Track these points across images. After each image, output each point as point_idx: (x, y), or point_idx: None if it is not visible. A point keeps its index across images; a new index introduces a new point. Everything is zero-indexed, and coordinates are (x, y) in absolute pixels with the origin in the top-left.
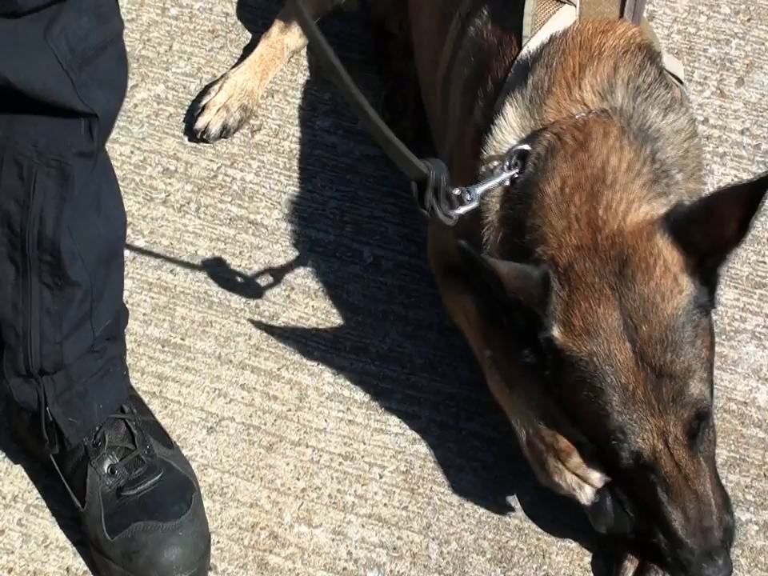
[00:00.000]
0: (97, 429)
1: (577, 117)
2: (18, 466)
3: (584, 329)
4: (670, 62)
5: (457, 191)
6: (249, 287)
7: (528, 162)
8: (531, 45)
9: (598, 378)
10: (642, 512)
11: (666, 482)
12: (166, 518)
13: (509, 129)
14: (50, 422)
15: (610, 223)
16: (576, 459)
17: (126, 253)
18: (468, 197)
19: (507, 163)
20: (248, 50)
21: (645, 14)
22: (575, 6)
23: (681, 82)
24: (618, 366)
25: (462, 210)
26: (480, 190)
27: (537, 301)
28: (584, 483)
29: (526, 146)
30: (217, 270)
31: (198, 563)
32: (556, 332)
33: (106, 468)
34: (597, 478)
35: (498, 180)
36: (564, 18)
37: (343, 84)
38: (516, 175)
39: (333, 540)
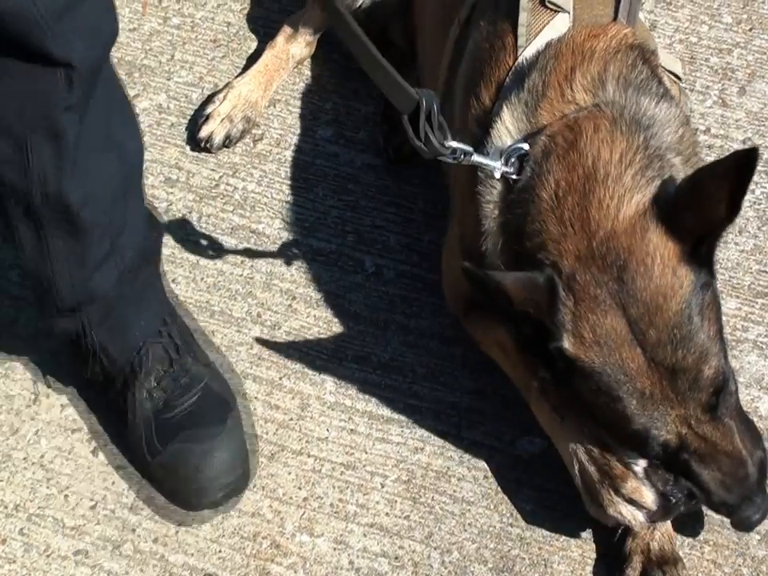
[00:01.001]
0: (136, 352)
1: (570, 116)
2: (20, 475)
3: (594, 340)
4: (666, 60)
5: (453, 143)
6: (250, 297)
7: (525, 165)
8: (527, 53)
9: (614, 387)
10: (681, 484)
11: (696, 455)
12: (208, 430)
13: (506, 134)
14: (90, 352)
15: (603, 224)
16: (632, 483)
17: None
18: (462, 152)
19: (504, 158)
20: (250, 59)
21: (644, 20)
22: (568, 12)
23: (679, 78)
24: (631, 373)
25: (456, 143)
26: (475, 157)
27: (545, 309)
28: (638, 511)
29: (525, 145)
30: (218, 280)
31: (241, 467)
32: (567, 343)
33: (146, 391)
34: (652, 500)
35: (493, 163)
36: (558, 26)
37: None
38: (514, 179)
39: (334, 549)
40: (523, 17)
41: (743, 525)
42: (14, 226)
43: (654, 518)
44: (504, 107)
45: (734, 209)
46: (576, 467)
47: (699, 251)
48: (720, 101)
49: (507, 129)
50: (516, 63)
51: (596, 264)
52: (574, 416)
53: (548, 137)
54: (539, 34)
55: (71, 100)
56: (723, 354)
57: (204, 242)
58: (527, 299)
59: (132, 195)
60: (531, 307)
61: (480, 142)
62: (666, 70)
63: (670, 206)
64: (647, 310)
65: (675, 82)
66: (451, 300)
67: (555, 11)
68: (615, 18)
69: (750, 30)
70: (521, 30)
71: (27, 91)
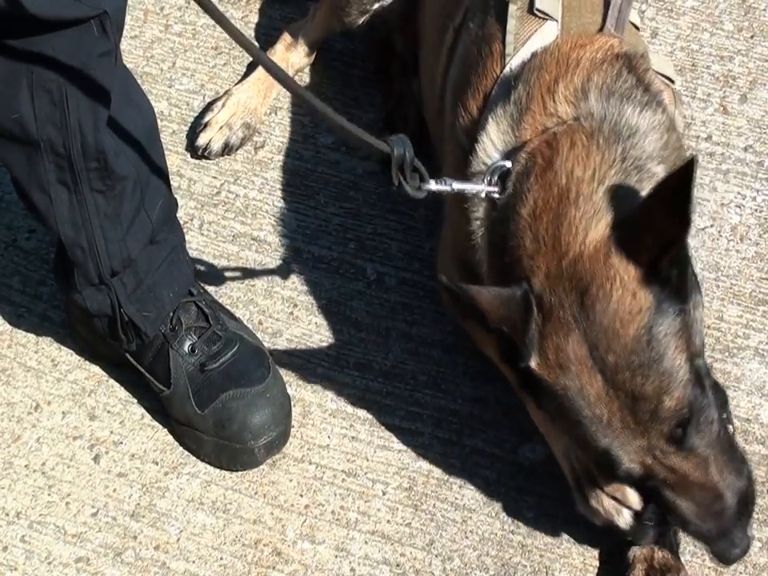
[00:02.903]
0: (171, 315)
1: (550, 131)
2: (21, 482)
3: (557, 363)
4: (658, 62)
5: (433, 184)
6: (252, 304)
7: (507, 183)
8: (513, 63)
9: (576, 412)
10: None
11: (667, 485)
12: (251, 383)
13: (491, 147)
14: (125, 322)
15: (572, 246)
16: (615, 484)
17: None
18: (444, 184)
19: (488, 178)
20: (251, 66)
21: (646, 27)
22: (557, 21)
23: (672, 81)
24: (591, 399)
25: (433, 186)
26: (456, 184)
27: (518, 326)
28: (622, 507)
29: (507, 163)
30: (220, 287)
31: (285, 420)
32: (533, 362)
33: (186, 348)
34: (636, 500)
35: (475, 188)
36: (546, 35)
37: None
38: (497, 196)
39: (336, 556)
40: (511, 24)
41: (721, 558)
42: (50, 194)
43: (640, 536)
44: (490, 119)
45: (684, 220)
46: (566, 467)
47: (660, 271)
48: (721, 108)
49: (493, 143)
50: (503, 73)
51: (562, 285)
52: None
53: (528, 154)
54: (526, 43)
55: (106, 46)
56: (695, 382)
57: (205, 250)
58: (501, 317)
59: (155, 151)
60: (505, 325)
61: (467, 153)
62: (658, 73)
63: (629, 227)
64: (605, 334)
65: (668, 85)
66: (448, 303)
67: (544, 19)
68: (603, 26)
69: (752, 37)
70: (509, 38)
71: (64, 42)
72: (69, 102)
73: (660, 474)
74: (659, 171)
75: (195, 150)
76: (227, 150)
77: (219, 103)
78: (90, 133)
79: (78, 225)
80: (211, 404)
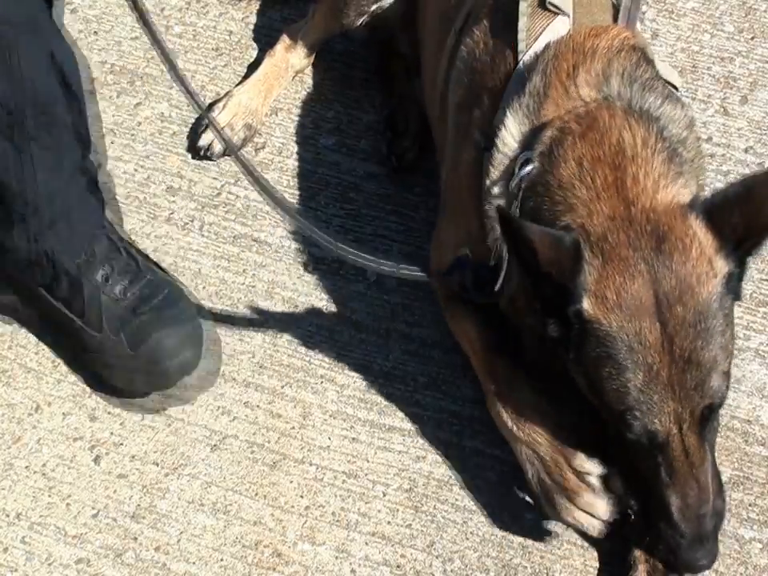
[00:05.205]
0: (87, 243)
1: (578, 108)
2: (22, 483)
3: (616, 303)
4: (664, 69)
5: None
6: (252, 305)
7: (533, 164)
8: (526, 57)
9: (625, 355)
10: (641, 495)
11: (671, 466)
12: (164, 308)
13: (510, 139)
14: (44, 255)
15: (642, 198)
16: (585, 498)
17: None
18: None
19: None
20: (252, 68)
21: (646, 29)
22: (569, 15)
23: (676, 88)
24: (646, 344)
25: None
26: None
27: (567, 272)
28: (592, 519)
29: (527, 154)
30: (220, 288)
31: (198, 342)
32: (586, 304)
33: (100, 278)
34: (605, 511)
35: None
36: (558, 29)
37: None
38: (520, 186)
39: (336, 558)
40: (523, 22)
41: (688, 565)
42: None
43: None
44: (507, 113)
45: None
46: (530, 473)
47: (738, 252)
48: (722, 110)
49: (512, 135)
50: (517, 68)
51: (633, 228)
52: (529, 422)
53: (556, 129)
54: (539, 38)
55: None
56: (728, 382)
57: (206, 251)
58: (551, 259)
59: (72, 92)
60: (554, 268)
61: (483, 150)
62: (664, 80)
63: (716, 202)
64: (679, 286)
65: (673, 92)
66: (436, 282)
67: (555, 14)
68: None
69: (752, 38)
70: (520, 35)
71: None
72: (20, 53)
73: (675, 450)
74: (687, 159)
75: (196, 152)
76: (228, 151)
77: (220, 104)
78: (42, 79)
79: (19, 170)
80: (125, 328)
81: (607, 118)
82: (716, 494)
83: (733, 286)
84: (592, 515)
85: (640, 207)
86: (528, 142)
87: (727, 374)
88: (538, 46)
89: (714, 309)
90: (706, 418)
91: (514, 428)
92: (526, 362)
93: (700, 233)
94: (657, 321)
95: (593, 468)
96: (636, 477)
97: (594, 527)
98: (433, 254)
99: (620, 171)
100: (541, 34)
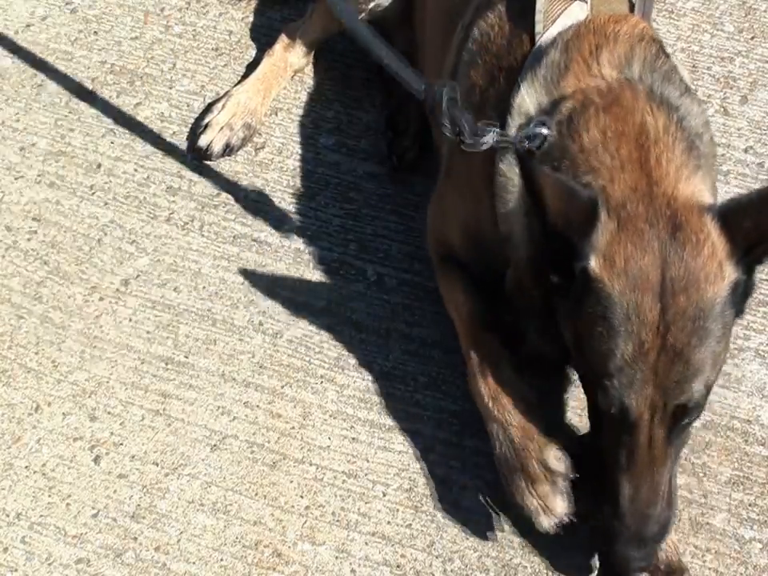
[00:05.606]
0: None
1: (600, 84)
2: (22, 483)
3: (624, 270)
4: (679, 66)
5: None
6: (252, 305)
7: (550, 132)
8: (544, 39)
9: (621, 322)
10: (597, 478)
11: (633, 452)
12: None
13: (527, 106)
14: None
15: (665, 182)
16: (544, 487)
17: (130, 270)
18: (491, 134)
19: (530, 130)
20: (251, 67)
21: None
22: (586, 2)
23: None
24: (644, 320)
25: (489, 138)
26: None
27: (577, 226)
28: (544, 514)
29: (545, 118)
30: (220, 288)
31: None
32: (594, 262)
33: None
34: (560, 511)
35: (518, 135)
36: (575, 13)
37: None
38: (535, 149)
39: (336, 558)
40: (540, 3)
41: (620, 559)
42: None
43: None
44: (523, 84)
45: None
46: (497, 449)
47: (748, 258)
48: (722, 109)
49: (528, 102)
50: (534, 48)
51: (653, 206)
52: (505, 400)
53: (577, 100)
54: (556, 21)
55: None
56: (708, 396)
57: (206, 251)
58: (562, 210)
59: None
60: (562, 220)
61: (500, 125)
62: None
63: (732, 207)
64: (687, 276)
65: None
66: (433, 247)
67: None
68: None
69: (752, 38)
70: (538, 16)
71: None
72: None
73: (641, 435)
74: (704, 153)
75: (196, 152)
76: (228, 150)
77: (219, 105)
78: None
79: None
80: None
81: (630, 98)
82: (667, 505)
83: (737, 297)
84: (545, 508)
85: (663, 190)
86: (546, 111)
87: (710, 387)
88: (557, 28)
89: (715, 311)
90: (679, 418)
91: (490, 403)
92: (523, 350)
93: (714, 234)
94: (657, 302)
95: (558, 466)
96: (598, 456)
97: (543, 520)
98: (433, 220)
99: (644, 151)
100: (558, 17)
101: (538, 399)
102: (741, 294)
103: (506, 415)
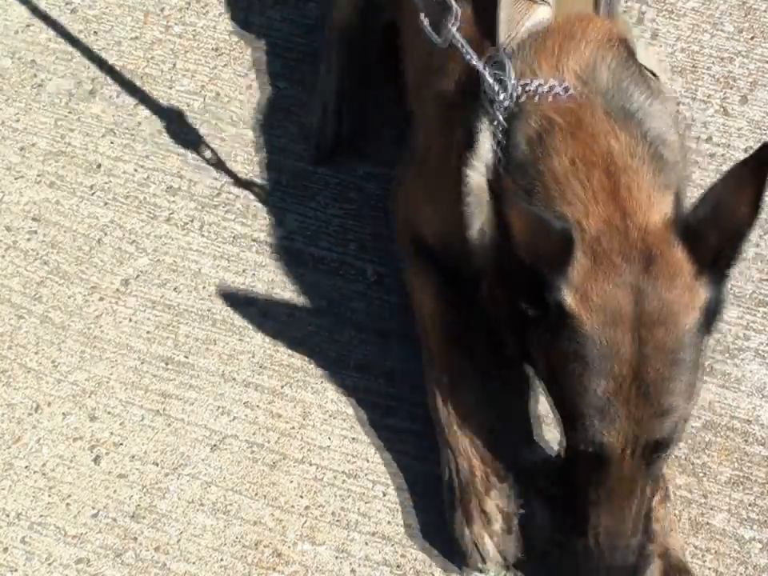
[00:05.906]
0: None
1: (558, 94)
2: (22, 483)
3: (599, 306)
4: (645, 58)
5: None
6: (252, 305)
7: (517, 133)
8: (508, 41)
9: (596, 359)
10: (569, 510)
11: (605, 485)
12: None
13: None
14: None
15: (638, 214)
16: (495, 527)
17: (130, 271)
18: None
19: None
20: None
21: (646, 29)
22: (549, 4)
23: (656, 76)
24: (619, 355)
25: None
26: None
27: (546, 259)
28: (479, 552)
29: (529, 83)
30: (220, 288)
31: None
32: (569, 298)
33: None
34: (492, 555)
35: (496, 87)
36: (539, 15)
37: None
38: (502, 141)
39: (336, 558)
40: (505, 13)
41: None
42: None
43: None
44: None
45: (755, 210)
46: (446, 475)
47: (716, 266)
48: (722, 109)
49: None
50: (497, 53)
51: (627, 240)
52: (467, 427)
53: (543, 116)
54: (519, 23)
55: None
56: (684, 427)
57: (206, 251)
58: (528, 242)
59: None
60: (529, 252)
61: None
62: (649, 71)
63: (690, 222)
64: (661, 309)
65: (653, 80)
66: (402, 240)
67: (534, 2)
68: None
69: (752, 38)
70: (502, 27)
71: None
72: None
73: (614, 470)
74: (671, 160)
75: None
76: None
77: None
78: None
79: None
80: None
81: (591, 120)
82: (642, 536)
83: (709, 315)
84: (477, 549)
85: (636, 223)
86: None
87: (686, 418)
88: (521, 31)
89: (690, 340)
90: (653, 451)
91: (446, 430)
92: (500, 359)
93: (684, 260)
94: (632, 339)
95: (495, 513)
96: (571, 487)
97: (475, 560)
98: (402, 207)
99: (614, 178)
100: (521, 21)
101: (515, 412)
102: (712, 314)
103: (459, 445)
